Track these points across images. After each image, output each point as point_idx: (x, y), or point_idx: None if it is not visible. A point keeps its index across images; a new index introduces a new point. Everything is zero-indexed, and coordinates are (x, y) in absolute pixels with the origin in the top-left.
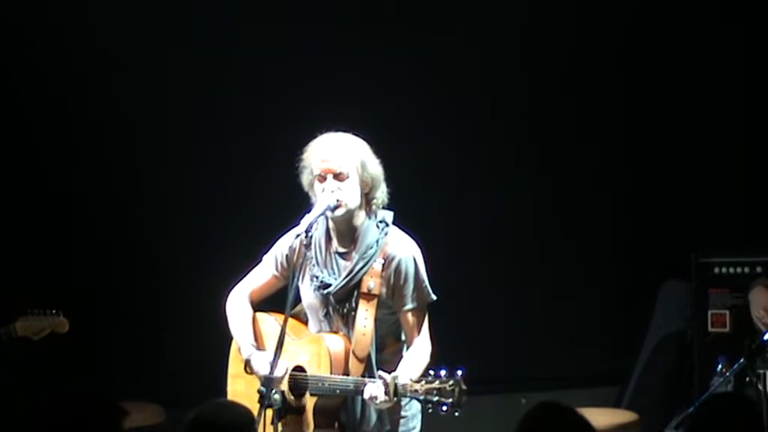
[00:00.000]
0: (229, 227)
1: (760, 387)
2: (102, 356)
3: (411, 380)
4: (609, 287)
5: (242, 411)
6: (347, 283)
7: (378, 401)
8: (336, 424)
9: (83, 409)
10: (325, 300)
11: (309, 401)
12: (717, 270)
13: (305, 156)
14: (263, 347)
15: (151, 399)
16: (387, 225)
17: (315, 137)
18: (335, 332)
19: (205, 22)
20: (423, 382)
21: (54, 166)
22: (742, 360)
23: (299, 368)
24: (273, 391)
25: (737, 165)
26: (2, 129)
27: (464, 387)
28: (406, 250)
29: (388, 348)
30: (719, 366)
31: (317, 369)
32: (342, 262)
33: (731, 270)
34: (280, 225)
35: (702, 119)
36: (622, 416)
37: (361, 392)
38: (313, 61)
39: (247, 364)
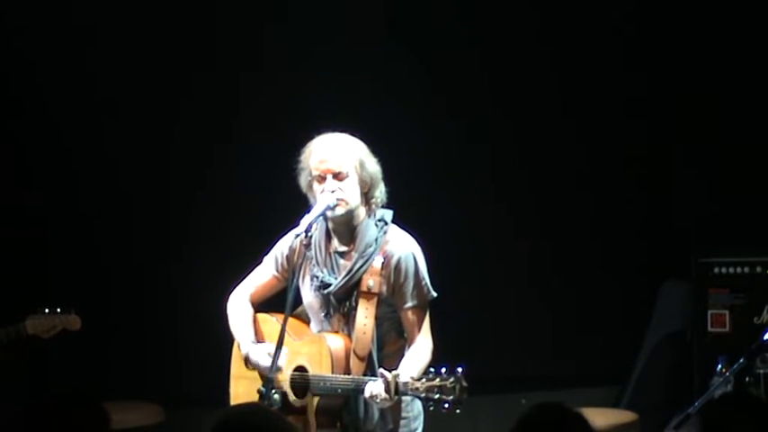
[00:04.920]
0: (231, 227)
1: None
2: (102, 356)
3: (412, 378)
4: (609, 287)
5: (284, 425)
6: (347, 282)
7: (378, 400)
8: (339, 424)
9: (67, 413)
10: (325, 300)
11: (311, 401)
12: (717, 270)
13: (302, 157)
14: None
15: (151, 399)
16: (386, 224)
17: (313, 137)
18: (336, 332)
19: (207, 23)
20: (423, 379)
21: (57, 166)
22: (742, 360)
23: (300, 368)
24: (273, 391)
25: (738, 165)
26: (21, 128)
27: (465, 384)
28: (405, 248)
29: (389, 347)
30: (719, 366)
31: (319, 368)
32: (341, 261)
33: (731, 270)
34: (281, 225)
35: (701, 118)
36: (622, 416)
37: (362, 391)
38: (312, 62)
39: (247, 359)
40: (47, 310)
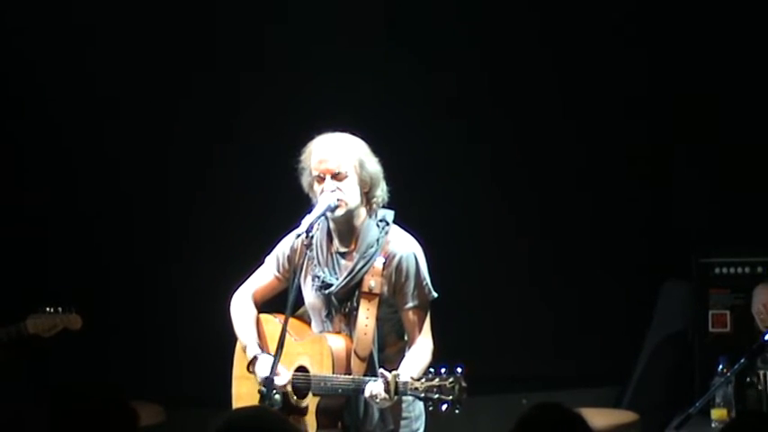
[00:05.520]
0: (232, 227)
1: (760, 387)
2: (102, 356)
3: (412, 378)
4: (609, 287)
5: (288, 428)
6: (348, 282)
7: (378, 400)
8: (339, 424)
9: (101, 411)
10: (326, 300)
11: (312, 402)
12: (717, 270)
13: (303, 157)
14: (266, 348)
15: (151, 398)
16: (387, 224)
17: (313, 137)
18: (338, 332)
19: (207, 23)
20: (423, 379)
21: (57, 166)
22: (743, 360)
23: (301, 368)
24: (274, 392)
25: (738, 165)
26: (21, 128)
27: (464, 384)
28: (407, 248)
29: (390, 347)
30: (720, 367)
31: (320, 369)
32: (343, 262)
33: (731, 270)
34: (282, 226)
35: (701, 118)
36: (622, 416)
37: (363, 391)
38: (312, 61)
39: (252, 363)
40: (48, 310)
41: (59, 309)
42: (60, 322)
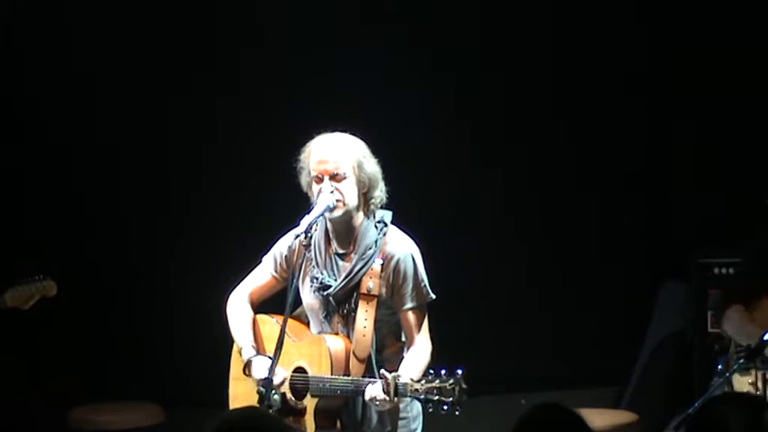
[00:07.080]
0: (231, 227)
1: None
2: (103, 356)
3: (412, 379)
4: (609, 287)
5: (284, 429)
6: (346, 283)
7: (378, 402)
8: (338, 425)
9: None
10: (325, 301)
11: (310, 403)
12: (717, 270)
13: (302, 156)
14: (263, 349)
15: (151, 399)
16: (385, 225)
17: (313, 137)
18: (336, 333)
19: (204, 22)
20: (423, 381)
21: (56, 165)
22: (741, 360)
23: (299, 369)
24: (273, 392)
25: (738, 165)
26: (19, 129)
27: (464, 386)
28: (404, 249)
29: (388, 349)
30: (719, 367)
31: (318, 370)
32: (341, 263)
33: (731, 270)
34: (281, 225)
35: (701, 117)
36: (622, 416)
37: (362, 393)
38: (312, 60)
39: (247, 366)
40: (24, 281)
41: (34, 277)
42: (36, 291)
